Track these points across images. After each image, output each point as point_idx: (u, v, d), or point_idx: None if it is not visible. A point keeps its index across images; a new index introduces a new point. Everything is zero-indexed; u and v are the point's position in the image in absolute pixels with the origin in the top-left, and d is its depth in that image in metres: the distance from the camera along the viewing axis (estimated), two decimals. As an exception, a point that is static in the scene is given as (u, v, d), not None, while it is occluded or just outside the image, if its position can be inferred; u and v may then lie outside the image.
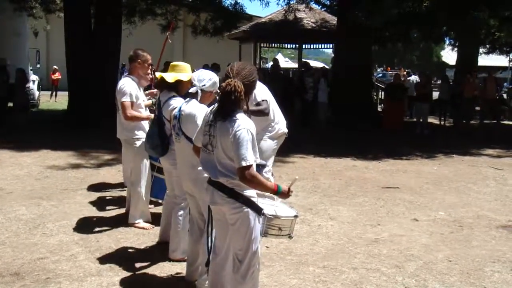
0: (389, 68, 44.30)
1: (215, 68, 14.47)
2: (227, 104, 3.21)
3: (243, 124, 3.18)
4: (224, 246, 3.53)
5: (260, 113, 5.58)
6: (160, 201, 6.16)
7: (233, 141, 3.14)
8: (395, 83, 15.83)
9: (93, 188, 7.42)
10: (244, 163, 3.11)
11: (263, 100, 5.59)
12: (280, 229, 3.52)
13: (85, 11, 15.08)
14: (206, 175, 3.50)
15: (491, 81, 15.63)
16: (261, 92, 5.63)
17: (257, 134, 5.59)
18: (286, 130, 6.02)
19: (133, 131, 5.66)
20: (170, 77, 4.67)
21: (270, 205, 3.64)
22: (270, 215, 3.46)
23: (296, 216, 3.62)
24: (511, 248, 5.30)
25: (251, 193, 3.32)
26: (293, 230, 3.63)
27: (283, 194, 3.34)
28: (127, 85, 5.54)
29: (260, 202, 3.41)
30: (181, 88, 4.73)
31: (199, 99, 3.97)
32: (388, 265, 4.76)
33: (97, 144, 10.61)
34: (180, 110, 4.05)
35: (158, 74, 4.88)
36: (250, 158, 3.13)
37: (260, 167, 3.34)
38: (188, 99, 4.07)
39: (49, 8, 17.96)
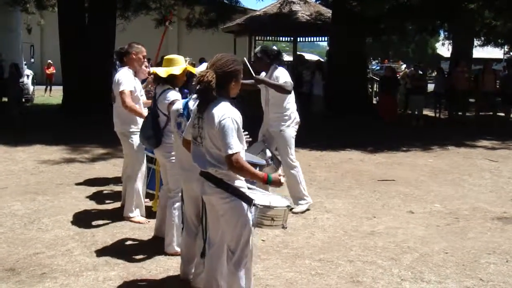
0: (385, 60, 44.28)
1: (200, 63, 14.17)
2: (201, 94, 3.30)
3: (228, 113, 3.21)
4: (217, 237, 3.54)
5: (281, 88, 5.76)
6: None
7: (219, 130, 3.18)
8: (389, 75, 15.80)
9: (88, 182, 7.40)
10: (230, 151, 3.15)
11: (287, 81, 5.78)
12: (273, 220, 3.51)
13: (79, 5, 15.02)
14: None
15: (489, 73, 15.48)
16: (284, 77, 5.81)
17: (271, 126, 5.85)
18: (299, 119, 6.15)
19: (130, 125, 5.62)
20: (163, 72, 4.69)
21: (263, 196, 3.63)
22: (261, 206, 3.45)
23: (288, 206, 3.63)
24: (506, 240, 5.32)
25: (240, 183, 3.33)
26: (287, 220, 3.62)
27: (275, 182, 3.34)
28: (125, 76, 5.50)
29: (252, 192, 3.42)
30: (175, 81, 4.80)
31: None
32: (384, 258, 4.77)
33: (92, 139, 10.59)
34: (189, 109, 3.91)
35: (152, 70, 4.89)
36: (236, 146, 3.16)
37: (259, 167, 3.32)
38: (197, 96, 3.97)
39: (42, 4, 17.85)
